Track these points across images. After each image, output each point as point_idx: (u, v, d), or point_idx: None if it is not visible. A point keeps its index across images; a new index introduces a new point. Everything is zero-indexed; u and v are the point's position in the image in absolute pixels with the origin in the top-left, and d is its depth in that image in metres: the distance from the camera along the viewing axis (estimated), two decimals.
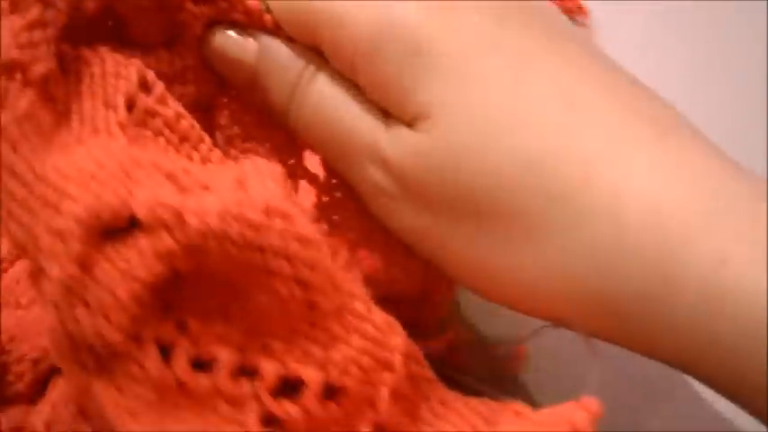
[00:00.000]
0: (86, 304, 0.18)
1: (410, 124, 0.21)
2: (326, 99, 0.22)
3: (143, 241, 0.18)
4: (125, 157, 0.19)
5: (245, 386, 0.19)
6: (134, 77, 0.21)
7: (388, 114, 0.21)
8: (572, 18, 0.44)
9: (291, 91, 0.22)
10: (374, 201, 0.22)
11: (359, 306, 0.20)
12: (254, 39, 0.22)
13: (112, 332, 0.18)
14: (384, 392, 0.20)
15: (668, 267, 0.19)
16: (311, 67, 0.22)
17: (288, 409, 0.19)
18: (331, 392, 0.20)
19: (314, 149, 0.24)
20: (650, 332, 0.20)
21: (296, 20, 0.22)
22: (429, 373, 0.22)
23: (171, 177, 0.19)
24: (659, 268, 0.19)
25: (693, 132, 0.21)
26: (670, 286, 0.19)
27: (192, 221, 0.18)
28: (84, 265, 0.18)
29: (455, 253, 0.22)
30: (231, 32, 0.23)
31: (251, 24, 0.23)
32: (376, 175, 0.21)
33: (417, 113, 0.20)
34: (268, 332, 0.19)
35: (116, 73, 0.21)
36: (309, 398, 0.19)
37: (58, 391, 0.24)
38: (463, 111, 0.20)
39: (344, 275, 0.20)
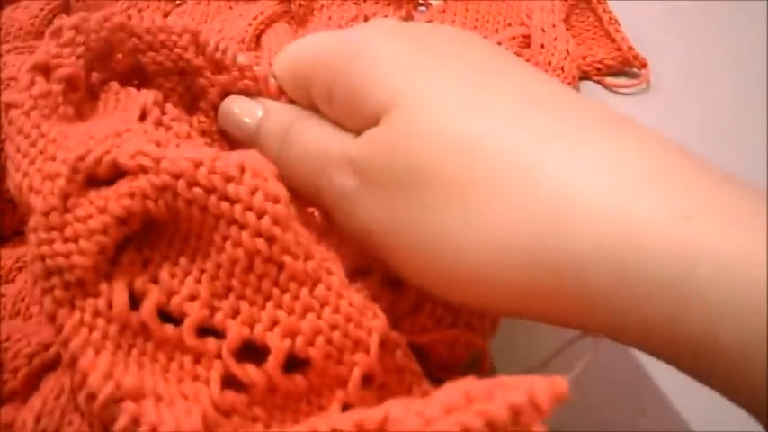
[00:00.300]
0: (63, 236, 0.19)
1: (375, 124, 0.23)
2: (308, 139, 0.25)
3: (121, 183, 0.20)
4: (120, 126, 0.21)
5: (210, 344, 0.19)
6: (151, 97, 0.24)
7: (359, 132, 0.24)
8: (631, 68, 0.44)
9: (283, 140, 0.25)
10: (340, 209, 0.24)
11: (334, 281, 0.20)
12: (259, 103, 0.26)
13: (80, 257, 0.19)
14: (356, 373, 0.20)
15: (630, 223, 0.19)
16: (302, 117, 0.25)
17: (250, 373, 0.19)
18: (299, 364, 0.20)
19: (296, 189, 0.25)
20: (619, 297, 0.19)
21: (295, 81, 0.26)
22: (415, 366, 0.22)
23: (158, 144, 0.21)
24: (620, 224, 0.19)
25: (643, 127, 0.22)
26: (635, 242, 0.18)
27: (166, 164, 0.19)
28: (66, 201, 0.20)
29: (411, 237, 0.22)
30: (240, 97, 0.26)
31: (257, 90, 0.26)
32: (342, 180, 0.23)
33: (379, 110, 0.22)
34: (238, 293, 0.20)
35: (136, 94, 0.24)
36: (273, 364, 0.19)
37: (50, 384, 0.24)
38: (419, 98, 0.22)
39: (322, 250, 0.21)
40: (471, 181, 0.21)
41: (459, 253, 0.21)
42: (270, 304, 0.20)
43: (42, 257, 0.19)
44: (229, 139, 0.26)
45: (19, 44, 0.39)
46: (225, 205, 0.20)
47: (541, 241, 0.20)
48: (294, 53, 0.26)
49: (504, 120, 0.21)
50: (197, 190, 0.20)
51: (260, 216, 0.20)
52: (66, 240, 0.20)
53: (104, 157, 0.20)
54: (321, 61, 0.24)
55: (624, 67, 0.44)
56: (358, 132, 0.23)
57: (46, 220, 0.20)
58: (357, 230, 0.23)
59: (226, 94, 0.26)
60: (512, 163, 0.20)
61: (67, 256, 0.19)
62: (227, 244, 0.20)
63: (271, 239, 0.20)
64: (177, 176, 0.20)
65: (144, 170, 0.20)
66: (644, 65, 0.44)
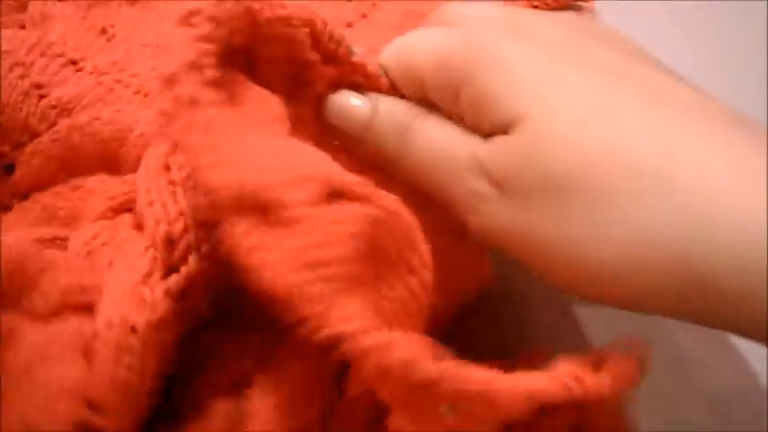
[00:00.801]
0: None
1: (505, 131, 0.23)
2: (434, 138, 0.25)
3: (347, 205, 0.20)
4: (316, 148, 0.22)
5: None
6: (282, 107, 0.24)
7: (486, 135, 0.24)
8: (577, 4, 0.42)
9: (402, 137, 0.26)
10: (475, 211, 0.24)
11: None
12: (370, 98, 0.26)
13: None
14: None
15: (756, 226, 0.19)
16: (419, 116, 0.26)
17: None
18: None
19: (420, 186, 0.26)
20: (740, 292, 0.20)
21: (406, 77, 0.26)
22: None
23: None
24: (747, 228, 0.20)
25: (756, 125, 0.23)
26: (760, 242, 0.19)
27: (385, 202, 0.21)
28: (316, 207, 0.20)
29: (550, 239, 0.23)
30: (350, 91, 0.26)
31: (368, 86, 0.26)
32: (475, 183, 0.24)
33: (511, 119, 0.23)
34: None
35: (266, 96, 0.24)
36: None
37: None
38: (552, 109, 0.23)
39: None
40: (610, 187, 0.22)
41: (599, 256, 0.22)
42: None
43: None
44: (329, 133, 0.26)
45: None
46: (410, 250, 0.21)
47: (683, 245, 0.20)
48: (407, 50, 0.26)
49: (637, 125, 0.22)
50: (400, 230, 0.21)
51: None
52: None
53: (344, 179, 0.20)
54: (444, 63, 0.25)
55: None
56: (483, 133, 0.24)
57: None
58: (491, 232, 0.24)
59: (332, 86, 0.26)
60: (647, 169, 0.21)
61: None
62: (396, 282, 0.21)
63: (425, 285, 0.21)
64: (392, 214, 0.20)
65: (367, 200, 0.20)
66: None
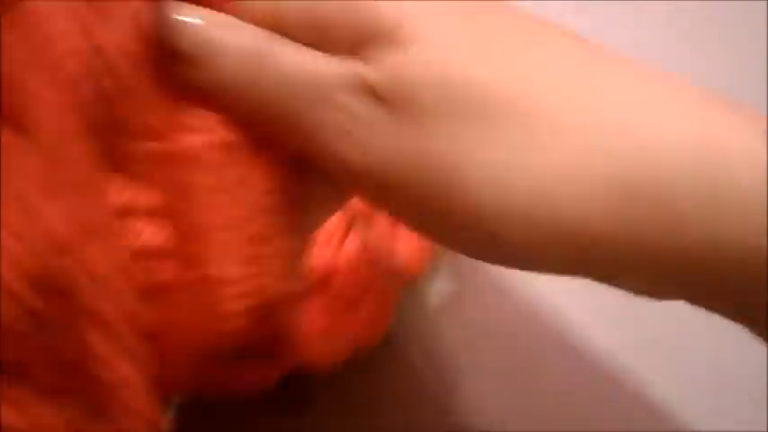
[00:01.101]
0: None
1: (398, 47, 0.21)
2: (297, 62, 0.22)
3: None
4: None
5: None
6: None
7: (356, 52, 0.22)
8: None
9: (251, 60, 0.22)
10: (350, 135, 0.22)
11: None
12: (214, 17, 0.22)
13: None
14: None
15: (711, 137, 0.19)
16: (273, 38, 0.22)
17: None
18: None
19: (265, 120, 0.23)
20: (710, 214, 0.18)
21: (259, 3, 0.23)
22: None
23: None
24: (701, 137, 0.19)
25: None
26: (726, 156, 0.18)
27: None
28: None
29: (461, 165, 0.21)
30: (191, 6, 0.22)
31: (218, 5, 0.22)
32: (356, 105, 0.21)
33: (406, 35, 0.21)
34: None
35: None
36: None
37: None
38: (455, 28, 0.21)
39: None
40: (532, 108, 0.20)
41: (529, 182, 0.20)
42: None
43: None
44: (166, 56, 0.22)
45: None
46: None
47: (622, 166, 0.19)
48: None
49: (548, 47, 0.21)
50: None
51: None
52: None
53: None
54: None
55: None
56: (351, 53, 0.22)
57: None
58: (373, 158, 0.22)
59: None
60: (575, 87, 0.20)
61: None
62: None
63: None
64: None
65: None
66: None
